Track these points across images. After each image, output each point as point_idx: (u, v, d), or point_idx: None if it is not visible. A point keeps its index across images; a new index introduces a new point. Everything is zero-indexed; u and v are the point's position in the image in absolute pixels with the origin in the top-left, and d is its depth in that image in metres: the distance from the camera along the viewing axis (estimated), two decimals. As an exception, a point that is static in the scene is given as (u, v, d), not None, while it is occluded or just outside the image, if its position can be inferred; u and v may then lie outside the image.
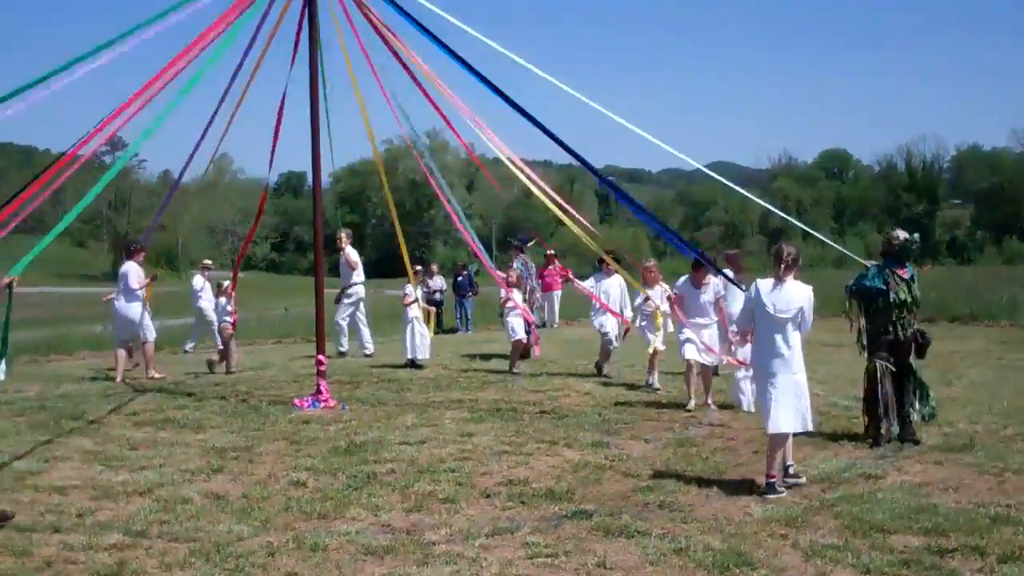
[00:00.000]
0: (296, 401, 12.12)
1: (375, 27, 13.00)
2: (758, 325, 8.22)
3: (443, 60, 12.45)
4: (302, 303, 29.98)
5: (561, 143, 12.11)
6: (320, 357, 12.47)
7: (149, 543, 6.63)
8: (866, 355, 10.04)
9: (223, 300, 16.18)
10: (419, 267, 17.73)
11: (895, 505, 7.26)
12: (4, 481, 8.36)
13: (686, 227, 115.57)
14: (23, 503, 7.71)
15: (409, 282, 15.89)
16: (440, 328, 25.09)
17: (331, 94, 13.10)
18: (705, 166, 13.62)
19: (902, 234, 9.93)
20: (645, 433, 10.16)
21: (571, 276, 16.20)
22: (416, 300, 15.97)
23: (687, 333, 11.84)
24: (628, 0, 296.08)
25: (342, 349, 17.72)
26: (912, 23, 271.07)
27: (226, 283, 16.22)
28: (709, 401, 11.78)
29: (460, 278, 25.59)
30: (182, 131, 13.37)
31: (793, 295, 8.07)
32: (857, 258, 11.17)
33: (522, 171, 13.06)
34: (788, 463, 8.14)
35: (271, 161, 14.55)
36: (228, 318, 15.91)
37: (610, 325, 14.51)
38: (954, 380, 13.49)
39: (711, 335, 11.92)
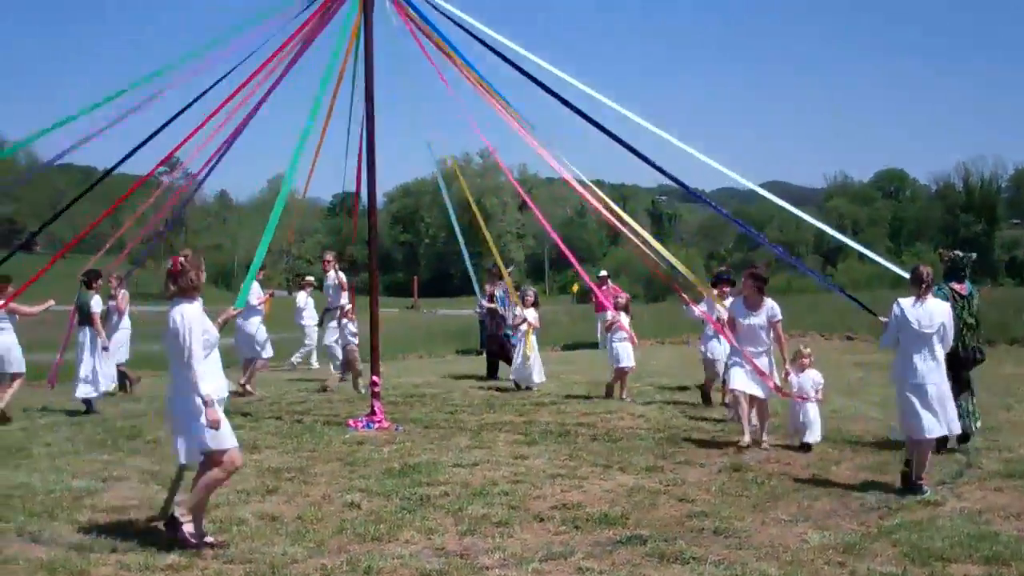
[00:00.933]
0: (350, 422, 12.16)
1: (436, 46, 13.06)
2: (903, 341, 8.76)
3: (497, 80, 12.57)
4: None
5: (653, 164, 12.01)
6: (374, 378, 12.51)
7: (204, 564, 6.66)
8: None
9: (346, 322, 16.25)
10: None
11: (954, 533, 7.15)
12: (62, 501, 8.44)
13: (741, 247, 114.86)
14: (81, 523, 7.78)
15: (517, 304, 16.06)
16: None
17: (381, 111, 13.14)
18: (759, 185, 13.44)
19: (954, 253, 10.63)
20: (700, 458, 10.05)
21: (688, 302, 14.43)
22: (524, 320, 15.80)
23: (736, 360, 11.06)
24: (682, 21, 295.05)
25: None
26: (969, 41, 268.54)
27: (347, 305, 16.38)
28: (764, 438, 10.71)
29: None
30: (237, 151, 13.50)
31: (935, 311, 8.72)
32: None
33: (589, 192, 13.02)
34: (917, 477, 8.57)
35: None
36: (354, 339, 15.99)
37: (721, 352, 13.17)
38: (1014, 404, 13.26)
39: (764, 363, 10.79)
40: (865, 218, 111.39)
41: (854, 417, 12.36)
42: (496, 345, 17.72)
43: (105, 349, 14.33)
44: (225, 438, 7.10)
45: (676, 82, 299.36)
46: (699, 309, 13.54)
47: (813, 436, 10.46)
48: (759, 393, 10.74)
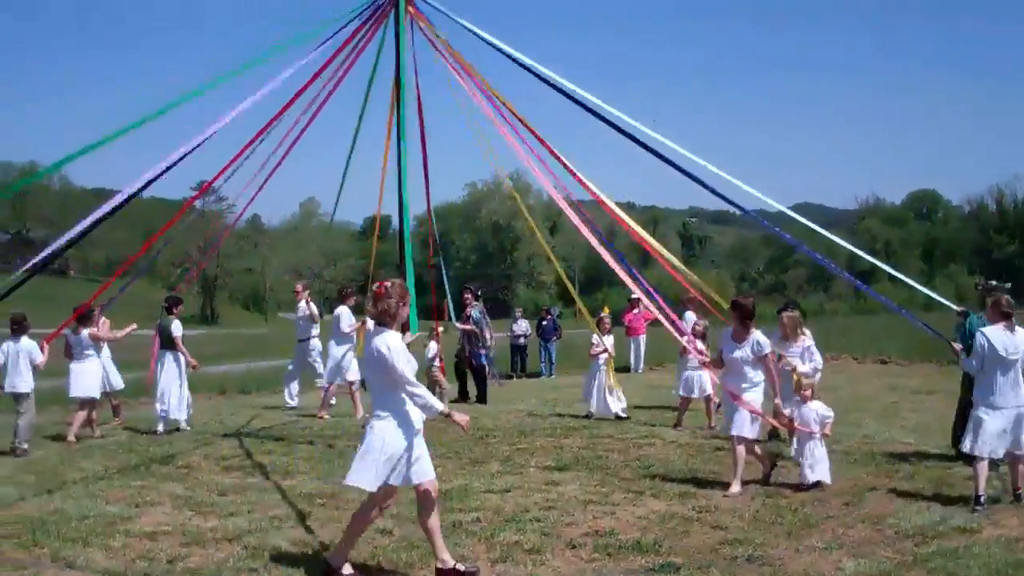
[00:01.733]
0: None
1: (464, 67, 13.10)
2: (987, 366, 8.98)
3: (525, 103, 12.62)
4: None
5: (707, 186, 11.98)
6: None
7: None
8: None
9: (433, 345, 16.35)
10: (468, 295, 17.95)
11: (991, 561, 7.06)
12: (96, 527, 8.48)
13: (772, 269, 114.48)
14: (115, 548, 7.82)
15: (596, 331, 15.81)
16: (524, 372, 25.13)
17: (411, 134, 13.21)
18: (791, 207, 13.35)
19: (991, 283, 10.89)
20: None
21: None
22: (606, 350, 15.45)
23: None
24: (712, 43, 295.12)
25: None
26: (1004, 61, 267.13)
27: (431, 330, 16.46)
28: (733, 484, 9.72)
29: (545, 322, 25.55)
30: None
31: (1020, 340, 8.97)
32: (946, 302, 10.98)
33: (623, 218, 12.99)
34: (980, 493, 8.72)
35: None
36: (436, 363, 16.14)
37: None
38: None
39: (753, 399, 9.88)
40: (898, 240, 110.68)
41: (888, 442, 12.24)
42: (467, 366, 18.02)
43: (194, 367, 14.92)
44: (428, 469, 7.05)
45: (706, 100, 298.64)
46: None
47: (819, 475, 9.75)
48: (742, 432, 9.75)
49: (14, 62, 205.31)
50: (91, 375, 14.10)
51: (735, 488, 9.61)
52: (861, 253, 14.74)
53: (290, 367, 17.99)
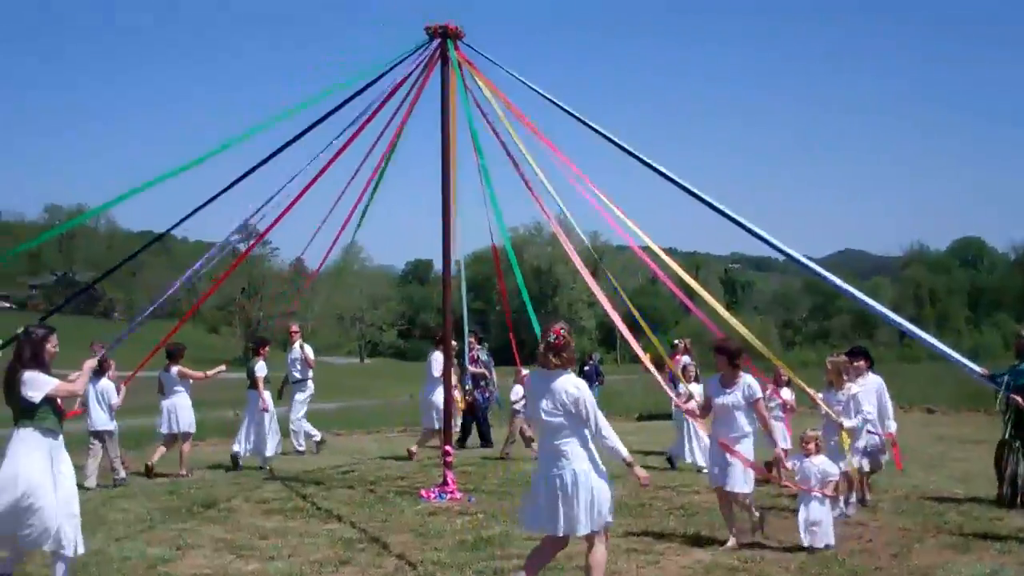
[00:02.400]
0: (423, 492, 12.11)
1: (512, 111, 13.08)
2: None
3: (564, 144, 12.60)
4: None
5: (758, 235, 11.77)
6: (447, 448, 12.49)
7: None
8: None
9: (519, 388, 16.28)
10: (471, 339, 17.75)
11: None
12: (137, 569, 8.48)
13: (815, 317, 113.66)
14: (156, 592, 7.81)
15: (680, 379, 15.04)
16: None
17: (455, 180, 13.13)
18: (835, 253, 13.24)
19: None
20: (779, 533, 9.81)
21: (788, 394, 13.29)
22: (691, 396, 14.02)
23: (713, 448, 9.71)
24: (755, 89, 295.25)
25: (300, 448, 17.35)
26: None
27: (524, 371, 16.13)
28: (730, 538, 9.35)
29: (587, 367, 25.46)
30: (312, 218, 13.75)
31: None
32: (966, 362, 10.54)
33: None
34: None
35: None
36: (518, 405, 16.17)
37: (874, 440, 11.36)
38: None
39: (745, 449, 9.25)
40: (942, 287, 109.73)
41: (936, 492, 12.03)
42: (470, 409, 17.99)
43: (265, 411, 15.17)
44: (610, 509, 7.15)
45: (751, 148, 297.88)
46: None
47: (821, 540, 9.04)
48: (738, 489, 9.19)
49: (63, 105, 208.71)
50: (184, 410, 14.76)
51: (732, 539, 9.30)
52: (887, 314, 13.72)
53: (296, 419, 17.48)
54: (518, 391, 16.22)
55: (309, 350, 17.59)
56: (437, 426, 15.74)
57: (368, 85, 12.59)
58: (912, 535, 9.67)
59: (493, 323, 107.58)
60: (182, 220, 11.87)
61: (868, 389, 11.24)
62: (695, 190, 11.23)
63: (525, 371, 15.18)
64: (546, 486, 6.90)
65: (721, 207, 10.96)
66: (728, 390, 9.35)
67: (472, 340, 17.95)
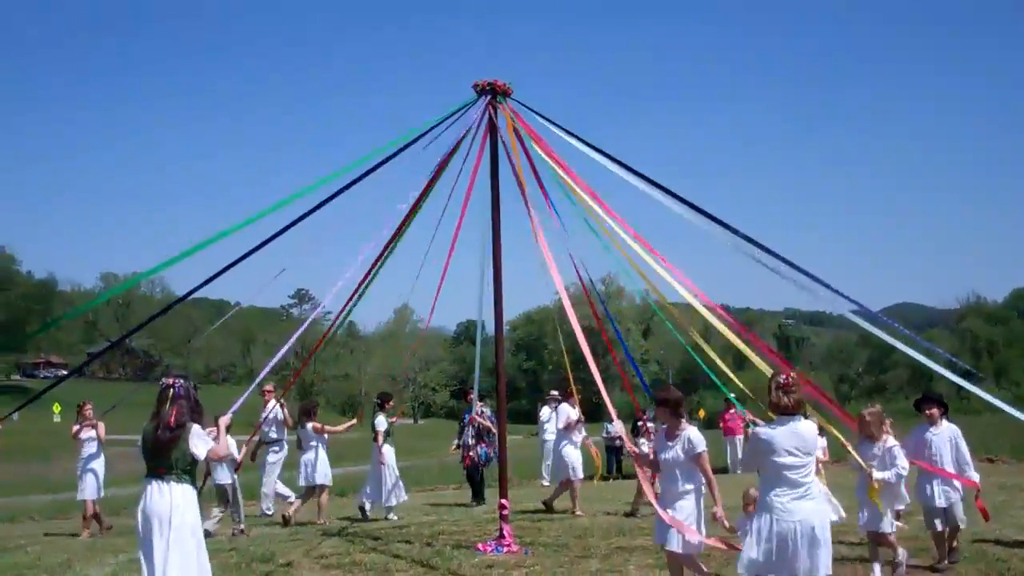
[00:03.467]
0: (479, 546, 12.13)
1: (561, 167, 13.06)
2: None
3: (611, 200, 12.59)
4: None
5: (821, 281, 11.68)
6: (503, 502, 12.50)
7: None
8: None
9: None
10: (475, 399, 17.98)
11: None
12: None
13: (871, 371, 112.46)
14: (218, 644, 7.89)
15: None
16: (620, 474, 24.92)
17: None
18: (890, 307, 12.94)
19: None
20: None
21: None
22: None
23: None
24: (804, 145, 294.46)
25: (268, 512, 17.34)
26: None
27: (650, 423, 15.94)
28: None
29: (639, 423, 25.34)
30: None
31: None
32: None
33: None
34: None
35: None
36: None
37: (953, 496, 10.64)
38: None
39: (684, 507, 8.48)
40: (1001, 339, 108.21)
41: (997, 540, 11.86)
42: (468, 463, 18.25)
43: (382, 464, 16.15)
44: None
45: (801, 201, 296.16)
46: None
47: None
48: (674, 548, 8.49)
49: (123, 173, 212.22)
50: (321, 463, 15.88)
51: None
52: (931, 365, 13.41)
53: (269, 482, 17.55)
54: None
55: (287, 411, 17.80)
56: (573, 476, 16.13)
57: (412, 142, 12.58)
58: (975, 582, 9.56)
59: (546, 383, 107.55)
60: (205, 283, 11.58)
61: (936, 438, 10.81)
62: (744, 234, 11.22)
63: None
64: (795, 532, 6.98)
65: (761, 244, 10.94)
66: (671, 444, 8.62)
67: (473, 397, 18.25)
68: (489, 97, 12.79)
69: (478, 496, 18.36)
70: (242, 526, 14.64)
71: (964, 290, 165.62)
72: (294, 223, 11.49)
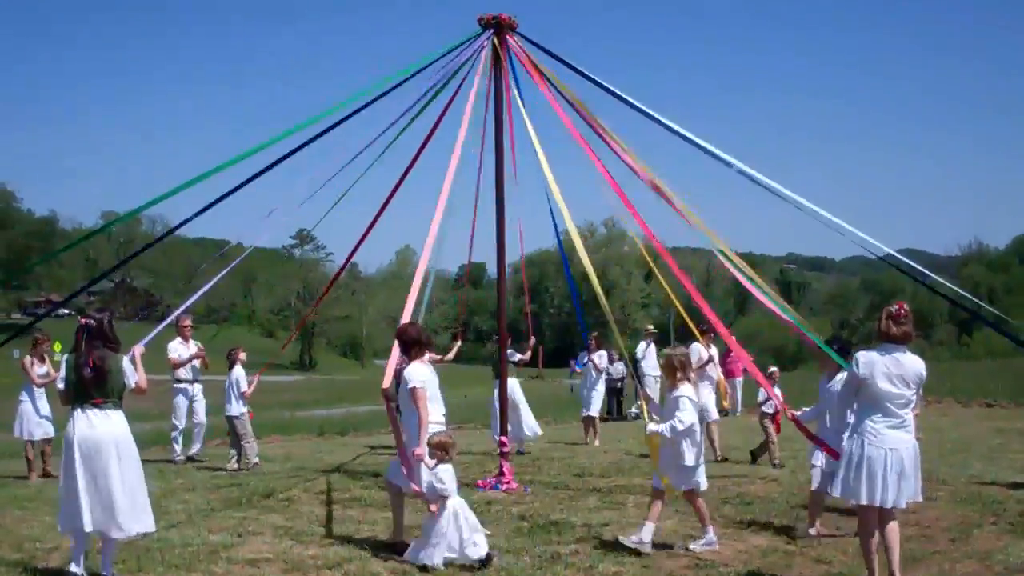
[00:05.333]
0: (479, 483, 12.20)
1: (572, 103, 12.90)
2: None
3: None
4: (481, 391, 30.41)
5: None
6: (503, 439, 12.56)
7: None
8: None
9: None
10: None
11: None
12: (199, 554, 8.62)
13: (872, 316, 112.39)
14: (217, 574, 7.95)
15: None
16: (620, 414, 24.99)
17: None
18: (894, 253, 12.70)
19: None
20: (837, 519, 9.77)
21: None
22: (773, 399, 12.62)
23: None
24: (806, 91, 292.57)
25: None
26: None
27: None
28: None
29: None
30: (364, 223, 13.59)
31: None
32: None
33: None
34: None
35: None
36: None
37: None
38: None
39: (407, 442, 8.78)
40: (1001, 286, 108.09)
41: (994, 481, 11.90)
42: None
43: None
44: None
45: (802, 148, 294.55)
46: None
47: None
48: (395, 480, 8.91)
49: (126, 114, 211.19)
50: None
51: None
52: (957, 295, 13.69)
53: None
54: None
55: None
56: (709, 418, 14.46)
57: (414, 74, 12.39)
58: (971, 521, 9.60)
59: (547, 326, 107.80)
60: (195, 214, 11.58)
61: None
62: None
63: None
64: (888, 459, 7.04)
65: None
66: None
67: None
68: (493, 31, 12.62)
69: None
70: (256, 459, 14.68)
71: (966, 237, 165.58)
72: (284, 157, 11.40)
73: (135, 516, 7.72)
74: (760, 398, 13.71)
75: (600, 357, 18.65)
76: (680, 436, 8.63)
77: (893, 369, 7.08)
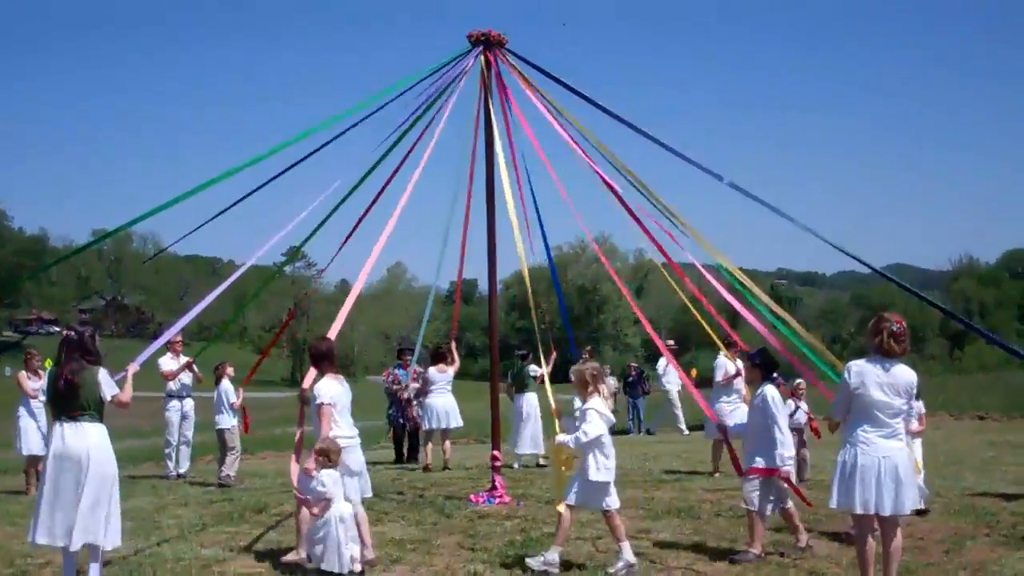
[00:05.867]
0: (472, 497, 12.18)
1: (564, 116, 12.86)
2: None
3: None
4: (474, 406, 30.36)
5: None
6: (495, 453, 12.55)
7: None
8: None
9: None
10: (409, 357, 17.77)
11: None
12: (191, 569, 8.60)
13: (863, 331, 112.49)
14: (210, 589, 7.93)
15: None
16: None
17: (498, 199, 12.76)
18: (883, 268, 12.74)
19: None
20: (830, 533, 9.78)
21: None
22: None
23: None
24: (798, 107, 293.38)
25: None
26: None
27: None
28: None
29: (630, 378, 25.48)
30: (354, 240, 13.48)
31: None
32: None
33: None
34: None
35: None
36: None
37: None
38: None
39: None
40: (992, 300, 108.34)
41: (986, 492, 11.91)
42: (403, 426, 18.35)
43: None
44: None
45: (794, 162, 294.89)
46: None
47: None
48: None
49: (112, 128, 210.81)
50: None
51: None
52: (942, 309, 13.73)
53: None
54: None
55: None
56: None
57: (403, 92, 12.47)
58: (964, 533, 9.62)
59: (541, 341, 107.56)
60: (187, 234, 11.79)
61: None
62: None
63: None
64: (882, 467, 7.10)
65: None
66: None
67: (410, 358, 18.06)
68: (483, 48, 12.66)
69: (413, 456, 18.13)
70: (231, 473, 14.73)
71: (957, 251, 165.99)
72: (274, 178, 11.55)
73: (94, 529, 7.69)
74: (789, 410, 13.46)
75: None
76: (585, 448, 8.48)
77: (884, 379, 7.14)
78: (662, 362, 22.49)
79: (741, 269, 12.13)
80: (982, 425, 22.20)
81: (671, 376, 22.00)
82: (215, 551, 9.38)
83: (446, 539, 9.81)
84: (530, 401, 16.75)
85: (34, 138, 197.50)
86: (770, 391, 8.98)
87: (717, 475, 14.26)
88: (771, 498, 8.86)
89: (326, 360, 9.08)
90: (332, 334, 9.97)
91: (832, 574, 8.13)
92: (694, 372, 17.15)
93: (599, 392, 8.79)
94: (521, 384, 17.12)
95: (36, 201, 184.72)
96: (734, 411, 13.83)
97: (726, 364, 14.52)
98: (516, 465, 16.25)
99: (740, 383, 14.41)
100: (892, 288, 13.43)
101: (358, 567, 8.22)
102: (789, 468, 8.88)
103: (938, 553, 8.80)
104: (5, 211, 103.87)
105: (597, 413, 8.57)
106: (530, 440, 16.50)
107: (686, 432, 22.26)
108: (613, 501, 8.55)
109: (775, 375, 9.36)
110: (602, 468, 8.49)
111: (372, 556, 8.68)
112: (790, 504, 8.98)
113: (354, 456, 9.02)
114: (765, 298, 12.38)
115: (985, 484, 12.64)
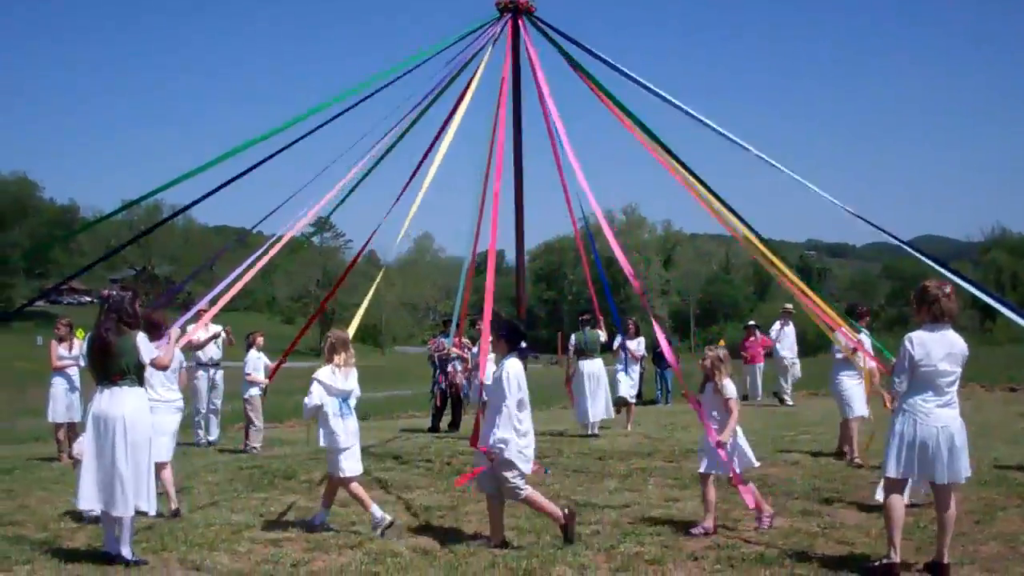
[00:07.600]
0: (500, 465, 12.18)
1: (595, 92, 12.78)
2: None
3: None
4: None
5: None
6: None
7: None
8: None
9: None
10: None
11: None
12: (222, 533, 8.65)
13: (893, 302, 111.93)
14: (240, 553, 7.97)
15: None
16: (640, 399, 24.93)
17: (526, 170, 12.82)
18: (914, 239, 12.60)
19: None
20: (860, 501, 9.74)
21: None
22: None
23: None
24: (833, 77, 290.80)
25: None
26: None
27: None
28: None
29: (659, 349, 25.38)
30: (382, 210, 13.42)
31: None
32: None
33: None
34: None
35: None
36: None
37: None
38: None
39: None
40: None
41: (1020, 465, 11.82)
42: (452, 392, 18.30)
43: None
44: None
45: (825, 134, 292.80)
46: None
47: None
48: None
49: (148, 103, 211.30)
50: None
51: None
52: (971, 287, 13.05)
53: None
54: None
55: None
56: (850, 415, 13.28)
57: (429, 58, 12.47)
58: (995, 504, 9.57)
59: (566, 312, 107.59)
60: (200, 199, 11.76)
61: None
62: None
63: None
64: (937, 436, 7.10)
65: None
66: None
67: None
68: (512, 16, 12.57)
69: (456, 424, 18.22)
70: (257, 445, 15.06)
71: (989, 222, 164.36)
72: (292, 143, 11.47)
73: (136, 494, 7.71)
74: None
75: (639, 344, 18.74)
76: (307, 415, 9.11)
77: (945, 348, 7.15)
78: (776, 326, 21.74)
79: (770, 240, 12.01)
80: (1014, 397, 22.00)
81: (786, 341, 21.30)
82: (245, 516, 9.45)
83: (474, 506, 9.82)
84: (598, 369, 16.45)
85: (64, 111, 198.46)
86: (511, 366, 8.49)
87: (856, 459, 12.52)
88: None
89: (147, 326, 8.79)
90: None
91: (861, 543, 8.08)
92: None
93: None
94: (590, 350, 16.68)
95: (65, 171, 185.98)
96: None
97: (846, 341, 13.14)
98: (592, 430, 16.07)
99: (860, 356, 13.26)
100: (920, 261, 13.03)
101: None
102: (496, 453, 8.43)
103: (969, 523, 8.74)
104: (36, 182, 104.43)
105: (318, 383, 8.95)
106: (604, 406, 16.28)
107: (790, 403, 21.07)
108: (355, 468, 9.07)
109: (522, 346, 8.92)
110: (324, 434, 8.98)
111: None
112: None
113: (169, 419, 9.97)
114: (788, 273, 12.26)
115: (1016, 456, 12.54)
